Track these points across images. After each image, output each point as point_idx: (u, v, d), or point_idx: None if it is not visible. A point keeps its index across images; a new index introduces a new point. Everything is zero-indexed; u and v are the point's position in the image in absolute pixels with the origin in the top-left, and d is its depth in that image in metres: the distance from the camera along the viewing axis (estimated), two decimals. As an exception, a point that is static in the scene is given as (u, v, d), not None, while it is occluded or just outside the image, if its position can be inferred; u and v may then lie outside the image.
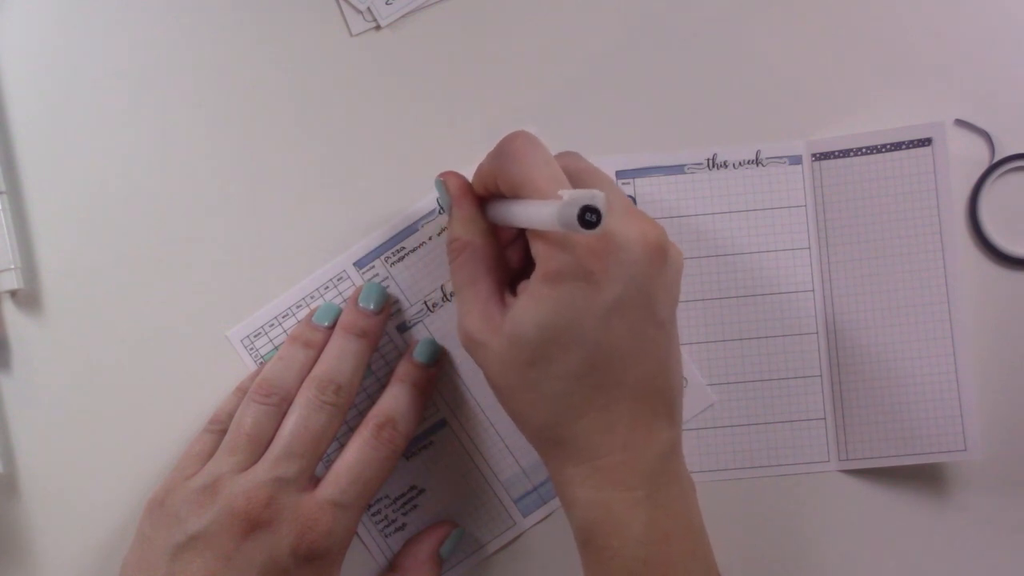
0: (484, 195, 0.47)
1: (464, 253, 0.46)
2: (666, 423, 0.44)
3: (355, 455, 0.48)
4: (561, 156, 0.46)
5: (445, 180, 0.48)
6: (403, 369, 0.51)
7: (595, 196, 0.37)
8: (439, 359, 0.52)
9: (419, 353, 0.51)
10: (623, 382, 0.43)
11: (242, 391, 0.50)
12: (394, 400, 0.49)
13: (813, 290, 0.52)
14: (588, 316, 0.42)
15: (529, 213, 0.41)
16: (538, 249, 0.43)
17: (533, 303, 0.42)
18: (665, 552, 0.43)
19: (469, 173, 0.48)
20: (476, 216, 0.47)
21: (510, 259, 0.48)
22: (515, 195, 0.44)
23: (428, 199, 0.52)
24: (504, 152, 0.44)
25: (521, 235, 0.48)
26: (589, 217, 0.36)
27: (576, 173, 0.45)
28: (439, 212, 0.52)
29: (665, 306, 0.43)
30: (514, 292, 0.45)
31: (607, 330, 0.42)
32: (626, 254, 0.42)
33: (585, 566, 0.45)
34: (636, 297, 0.42)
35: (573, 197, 0.37)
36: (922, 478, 0.52)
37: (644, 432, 0.43)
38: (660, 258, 0.43)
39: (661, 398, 0.44)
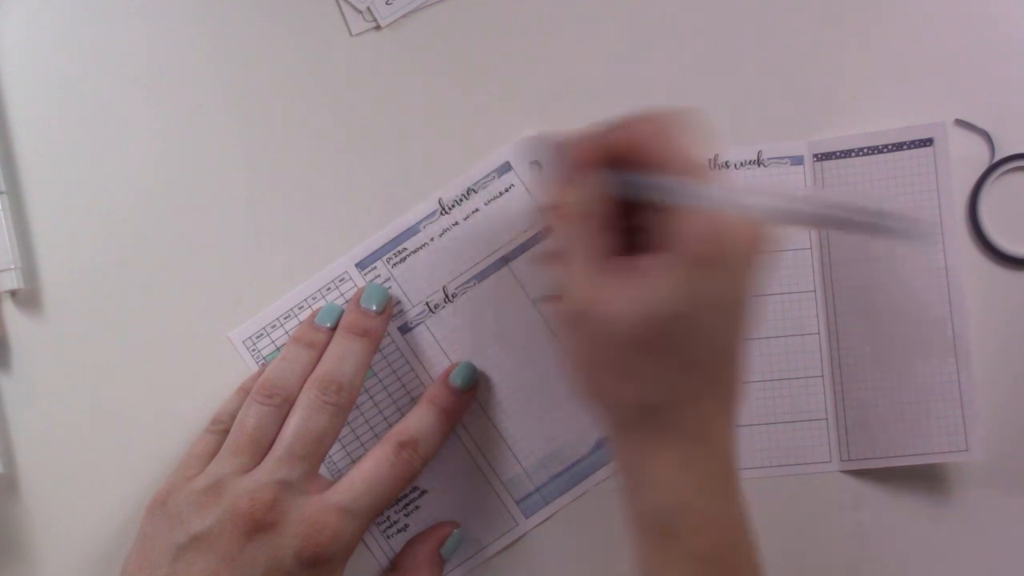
0: (596, 165, 0.44)
1: (580, 222, 0.43)
2: (735, 421, 0.43)
3: (371, 467, 0.47)
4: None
5: (566, 145, 0.44)
6: (435, 391, 0.51)
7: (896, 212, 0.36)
8: (474, 385, 0.52)
9: (455, 376, 0.51)
10: (721, 379, 0.42)
11: (244, 391, 0.50)
12: (419, 421, 0.49)
13: (814, 290, 0.52)
14: (719, 308, 0.41)
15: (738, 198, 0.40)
16: (682, 230, 0.40)
17: (671, 285, 0.40)
18: (728, 548, 0.42)
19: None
20: (597, 185, 0.43)
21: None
22: (653, 170, 0.41)
23: (430, 200, 0.52)
24: (636, 127, 0.42)
25: (621, 209, 0.44)
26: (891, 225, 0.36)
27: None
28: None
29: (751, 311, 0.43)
30: (619, 266, 0.42)
31: (728, 326, 0.41)
32: (761, 254, 0.41)
33: (642, 551, 0.43)
34: (751, 298, 0.41)
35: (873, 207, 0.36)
36: (924, 478, 0.52)
37: (723, 427, 0.43)
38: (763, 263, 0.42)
39: (740, 399, 0.43)
